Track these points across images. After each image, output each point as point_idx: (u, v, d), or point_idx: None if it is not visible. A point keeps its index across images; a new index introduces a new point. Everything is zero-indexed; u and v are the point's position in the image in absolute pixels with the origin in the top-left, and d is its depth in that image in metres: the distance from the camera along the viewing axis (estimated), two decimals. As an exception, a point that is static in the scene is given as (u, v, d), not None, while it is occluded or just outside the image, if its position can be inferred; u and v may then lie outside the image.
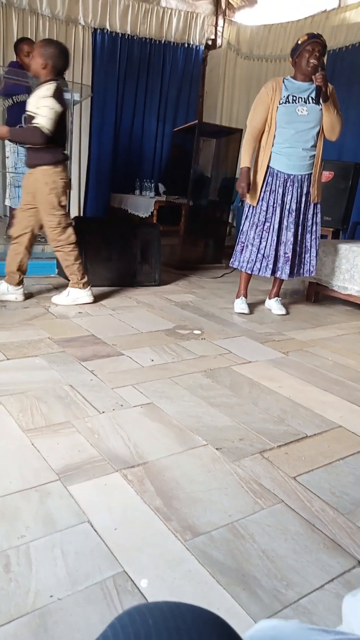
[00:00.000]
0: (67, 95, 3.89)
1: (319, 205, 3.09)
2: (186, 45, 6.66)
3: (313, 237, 3.12)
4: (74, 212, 5.96)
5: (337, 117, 2.87)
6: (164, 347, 2.42)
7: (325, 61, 2.84)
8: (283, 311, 3.23)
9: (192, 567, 1.07)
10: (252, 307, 3.30)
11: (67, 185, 2.96)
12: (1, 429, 1.57)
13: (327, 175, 4.26)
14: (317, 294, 3.66)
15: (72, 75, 5.80)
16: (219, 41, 6.97)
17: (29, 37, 5.18)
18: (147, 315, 2.96)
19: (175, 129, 5.59)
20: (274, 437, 1.65)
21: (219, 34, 6.95)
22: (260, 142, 3.00)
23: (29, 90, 4.03)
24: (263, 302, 3.45)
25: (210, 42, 6.94)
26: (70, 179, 4.01)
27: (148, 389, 1.94)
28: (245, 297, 3.26)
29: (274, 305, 3.29)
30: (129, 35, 6.25)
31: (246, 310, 3.16)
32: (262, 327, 2.93)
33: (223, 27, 6.86)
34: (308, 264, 3.15)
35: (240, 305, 3.19)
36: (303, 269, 3.15)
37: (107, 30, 6.12)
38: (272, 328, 2.92)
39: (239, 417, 1.77)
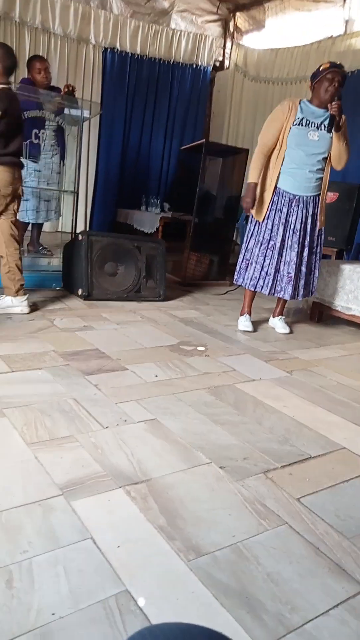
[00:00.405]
0: (76, 112, 3.96)
1: (323, 229, 3.15)
2: (194, 66, 6.79)
3: (317, 258, 3.17)
4: (80, 226, 6.01)
5: (345, 147, 2.92)
6: (168, 363, 2.42)
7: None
8: (287, 330, 3.24)
9: (196, 588, 1.06)
10: (256, 325, 3.31)
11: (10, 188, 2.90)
12: (5, 442, 1.57)
13: (331, 196, 4.30)
14: (321, 313, 3.67)
15: (82, 93, 5.90)
16: (226, 63, 7.10)
17: (41, 55, 5.28)
18: (152, 330, 2.96)
19: (182, 147, 5.65)
20: (278, 457, 1.64)
21: (226, 56, 7.08)
22: (270, 160, 3.02)
23: (40, 107, 4.10)
24: (267, 320, 3.46)
25: (218, 64, 7.07)
26: (77, 193, 4.04)
27: (152, 404, 1.94)
28: (250, 314, 3.27)
29: (277, 324, 3.29)
30: (138, 55, 6.37)
31: (250, 328, 3.17)
32: (266, 345, 2.93)
33: (231, 49, 6.99)
34: (310, 285, 3.19)
35: (245, 323, 3.20)
36: (306, 290, 3.18)
37: (117, 50, 6.24)
38: (276, 347, 2.92)
39: (243, 435, 1.76)
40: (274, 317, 3.36)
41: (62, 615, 0.96)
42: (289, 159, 2.97)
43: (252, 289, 3.17)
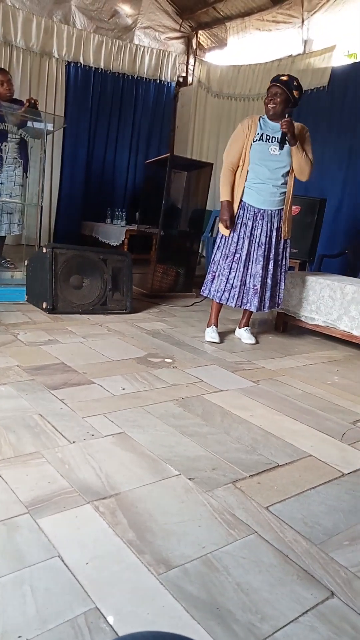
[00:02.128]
0: (39, 125, 3.94)
1: (288, 240, 3.19)
2: (158, 81, 6.88)
3: (282, 270, 3.22)
4: (44, 239, 5.95)
5: (305, 159, 2.97)
6: (136, 376, 2.41)
7: (292, 100, 2.96)
8: (253, 340, 3.28)
9: (166, 602, 1.05)
10: (222, 336, 3.33)
11: None
12: (-33, 460, 1.52)
13: (294, 209, 4.39)
14: (286, 324, 3.73)
15: (45, 106, 5.89)
16: (190, 79, 7.23)
17: (3, 67, 5.24)
18: (118, 343, 2.95)
19: (147, 161, 5.70)
20: (246, 467, 1.65)
21: (190, 72, 7.21)
22: (235, 176, 3.10)
23: (1, 119, 4.06)
24: (233, 331, 3.50)
25: (181, 80, 7.19)
26: (41, 206, 4.02)
27: (119, 418, 1.92)
28: (216, 325, 3.30)
29: (243, 335, 3.33)
30: (102, 69, 6.41)
31: (216, 339, 3.19)
32: (232, 355, 2.96)
33: (194, 65, 7.13)
34: (277, 297, 3.24)
35: (211, 334, 3.22)
36: (272, 302, 3.22)
37: (81, 64, 6.26)
38: (242, 357, 2.95)
39: (211, 446, 1.77)
40: (240, 327, 3.40)
41: (28, 638, 0.93)
42: (253, 174, 3.04)
43: (218, 301, 3.21)
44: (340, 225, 5.06)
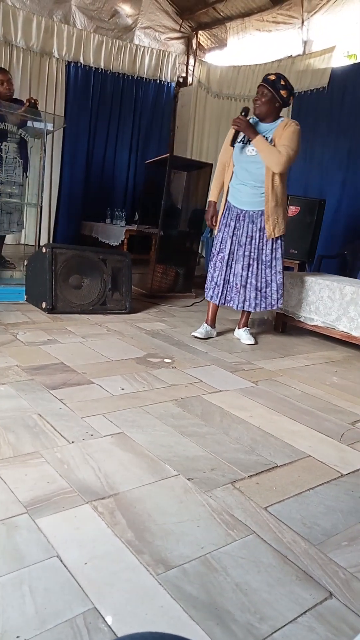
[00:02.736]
0: (39, 125, 3.94)
1: (279, 241, 3.13)
2: (158, 81, 6.87)
3: (273, 271, 3.15)
4: (44, 239, 5.94)
5: (269, 150, 2.90)
6: (135, 376, 2.41)
7: (279, 100, 2.96)
8: (252, 341, 3.28)
9: (165, 602, 1.05)
10: (221, 336, 3.34)
11: None
12: (-34, 460, 1.52)
13: (293, 210, 4.41)
14: (285, 324, 3.74)
15: (45, 106, 5.89)
16: (189, 79, 7.23)
17: (3, 67, 5.24)
18: (118, 343, 2.95)
19: (147, 161, 5.70)
20: (245, 467, 1.65)
21: (189, 72, 7.21)
22: (225, 176, 3.17)
23: (1, 119, 4.06)
24: (232, 330, 3.50)
25: (181, 80, 7.19)
26: (41, 206, 4.02)
27: (119, 418, 1.92)
28: (211, 325, 3.30)
29: (242, 335, 3.33)
30: (102, 69, 6.41)
31: (200, 335, 3.21)
32: (231, 356, 2.96)
33: (194, 66, 7.13)
34: (270, 298, 3.18)
35: (198, 329, 3.27)
36: (266, 303, 3.19)
37: (81, 64, 6.26)
38: (241, 357, 2.96)
39: (210, 446, 1.77)
40: (239, 328, 3.40)
41: (27, 638, 0.93)
42: (235, 176, 3.09)
43: (208, 299, 3.27)
44: (339, 226, 5.07)
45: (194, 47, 7.13)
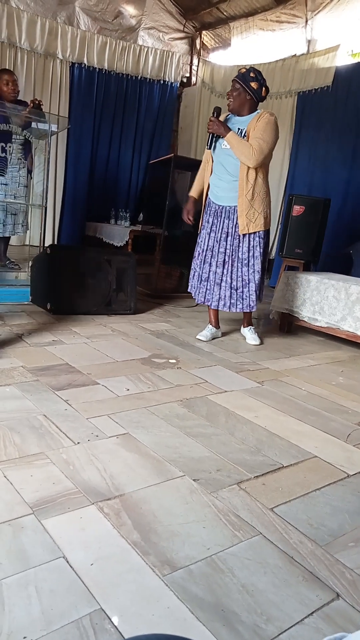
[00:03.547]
0: (43, 126, 3.95)
1: (257, 238, 3.02)
2: (162, 81, 6.87)
3: (251, 270, 3.03)
4: (48, 240, 5.96)
5: (239, 147, 2.88)
6: (140, 376, 2.41)
7: (250, 92, 2.93)
8: (257, 341, 3.27)
9: (171, 603, 1.05)
10: (226, 336, 3.33)
11: None
12: (-28, 461, 1.52)
13: (298, 209, 4.40)
14: (290, 324, 3.72)
15: (49, 107, 5.89)
16: (193, 79, 7.22)
17: (7, 68, 5.25)
18: (123, 343, 2.95)
19: (151, 161, 5.70)
20: (250, 468, 1.65)
21: (193, 72, 7.21)
22: (206, 172, 3.20)
23: (6, 120, 4.07)
24: (237, 330, 3.49)
25: (185, 80, 7.18)
26: (46, 207, 4.03)
27: (124, 418, 1.92)
28: (215, 325, 3.29)
29: (248, 335, 3.32)
30: (106, 70, 6.41)
31: (203, 337, 3.20)
32: (236, 356, 2.95)
33: (198, 66, 7.12)
34: (248, 299, 3.07)
35: (201, 332, 3.25)
36: (242, 304, 3.08)
37: (85, 65, 6.26)
38: (246, 357, 2.95)
39: (215, 447, 1.77)
40: (244, 327, 3.39)
41: (34, 639, 0.93)
42: (213, 171, 3.09)
43: (194, 298, 3.28)
44: (344, 225, 5.04)
45: (198, 47, 7.12)
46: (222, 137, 2.97)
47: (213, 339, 3.26)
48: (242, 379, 2.56)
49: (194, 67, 7.20)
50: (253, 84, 2.91)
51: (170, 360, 2.72)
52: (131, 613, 1.01)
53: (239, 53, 6.61)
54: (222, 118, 3.04)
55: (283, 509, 1.44)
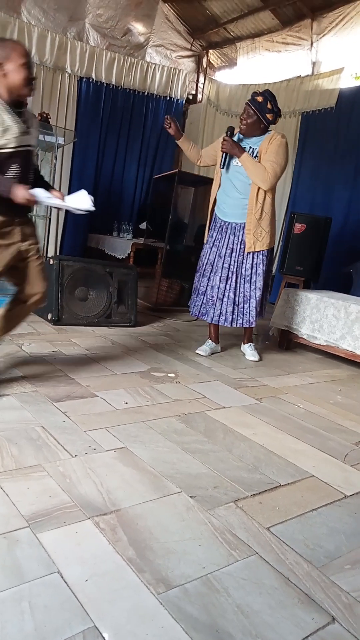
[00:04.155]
0: (50, 139, 4.00)
1: (261, 256, 3.05)
2: (168, 98, 6.96)
3: (253, 287, 3.06)
4: (51, 251, 5.98)
5: (255, 167, 2.90)
6: (139, 390, 2.41)
7: (265, 122, 2.97)
8: (256, 357, 3.27)
9: (166, 623, 1.04)
10: (225, 351, 3.34)
11: None
12: (-31, 472, 1.52)
13: (299, 227, 4.43)
14: (289, 341, 3.73)
15: (57, 120, 5.96)
16: (199, 96, 7.32)
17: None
18: (122, 356, 2.95)
19: (156, 176, 5.75)
20: (248, 486, 1.64)
21: (199, 90, 7.31)
22: (201, 154, 3.26)
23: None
24: (237, 346, 3.50)
25: (191, 97, 7.28)
26: (49, 218, 4.05)
27: (122, 432, 1.92)
28: (214, 341, 3.30)
29: (247, 351, 3.33)
30: (113, 85, 6.50)
31: (202, 352, 3.21)
32: (235, 372, 2.95)
33: (204, 84, 7.23)
34: (248, 315, 3.10)
35: (202, 347, 3.26)
36: (243, 319, 3.11)
37: (93, 80, 6.35)
38: (245, 374, 2.95)
39: (213, 464, 1.76)
40: (244, 343, 3.39)
41: (26, 655, 0.92)
42: (221, 187, 3.11)
43: (190, 311, 3.29)
44: (344, 244, 5.07)
45: (204, 65, 7.23)
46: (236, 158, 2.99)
47: (212, 353, 3.26)
48: (240, 395, 2.56)
49: (200, 85, 7.30)
50: (269, 116, 2.95)
51: (170, 374, 2.72)
52: (125, 631, 1.00)
53: (244, 72, 6.71)
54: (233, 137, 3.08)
55: (279, 528, 1.43)
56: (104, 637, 0.98)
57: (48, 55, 5.97)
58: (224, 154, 2.99)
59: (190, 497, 1.53)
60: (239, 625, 1.06)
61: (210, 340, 3.30)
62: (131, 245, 5.74)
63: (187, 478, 1.63)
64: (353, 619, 1.12)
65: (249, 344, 3.36)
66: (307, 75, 5.78)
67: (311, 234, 4.37)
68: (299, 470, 1.80)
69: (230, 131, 3.01)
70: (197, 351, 3.22)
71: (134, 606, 1.07)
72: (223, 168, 3.03)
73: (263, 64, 6.38)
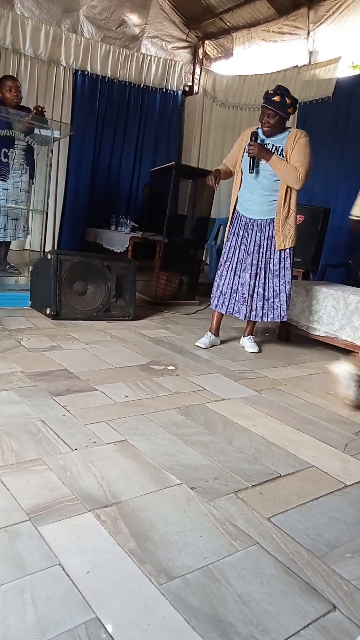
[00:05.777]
0: (46, 132, 3.97)
1: (288, 250, 3.11)
2: (164, 90, 6.92)
3: (282, 281, 3.13)
4: (48, 245, 5.97)
5: (286, 168, 2.93)
6: (138, 383, 2.41)
7: (287, 117, 2.97)
8: (256, 349, 3.28)
9: (167, 613, 1.04)
10: (225, 344, 3.34)
11: None
12: (-31, 466, 1.52)
13: (298, 218, 4.41)
14: (289, 332, 3.73)
15: (52, 113, 5.93)
16: (196, 88, 7.28)
17: (11, 74, 5.29)
18: (121, 350, 2.95)
19: (153, 169, 5.72)
20: (248, 477, 1.64)
21: (196, 81, 7.26)
22: (230, 171, 3.20)
23: (9, 126, 4.09)
24: (236, 339, 3.50)
25: (187, 89, 7.24)
26: (47, 212, 4.04)
27: (122, 425, 1.92)
28: (214, 333, 3.30)
29: (247, 343, 3.33)
30: (109, 77, 6.46)
31: (202, 344, 3.20)
32: (235, 364, 2.95)
33: (200, 75, 7.18)
34: (279, 309, 3.15)
35: (201, 339, 3.25)
36: (274, 314, 3.16)
37: (88, 72, 6.31)
38: (245, 366, 2.95)
39: (213, 455, 1.76)
40: (244, 336, 3.40)
41: (28, 647, 0.93)
42: (244, 184, 3.10)
43: (213, 308, 3.26)
44: (343, 235, 5.07)
45: (200, 56, 7.18)
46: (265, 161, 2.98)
47: (212, 346, 3.26)
48: (240, 387, 2.56)
49: (197, 76, 7.25)
50: (290, 110, 2.96)
51: (169, 367, 2.72)
52: (127, 622, 1.01)
53: (241, 63, 6.67)
54: (248, 132, 3.07)
55: (280, 518, 1.43)
56: (105, 628, 0.98)
57: (42, 47, 5.94)
58: (251, 158, 2.98)
59: (190, 488, 1.53)
60: (240, 615, 1.06)
61: (209, 333, 3.30)
62: (129, 239, 5.73)
63: (187, 470, 1.64)
64: (353, 606, 1.13)
65: (249, 336, 3.36)
66: (304, 65, 5.75)
67: (310, 225, 4.36)
68: (299, 461, 1.81)
69: (255, 136, 3.00)
70: (196, 344, 3.22)
71: (136, 597, 1.08)
72: (252, 172, 3.02)
73: (259, 54, 6.34)
